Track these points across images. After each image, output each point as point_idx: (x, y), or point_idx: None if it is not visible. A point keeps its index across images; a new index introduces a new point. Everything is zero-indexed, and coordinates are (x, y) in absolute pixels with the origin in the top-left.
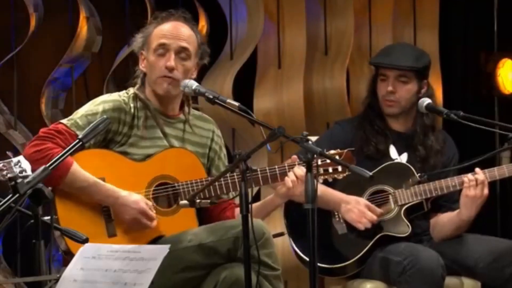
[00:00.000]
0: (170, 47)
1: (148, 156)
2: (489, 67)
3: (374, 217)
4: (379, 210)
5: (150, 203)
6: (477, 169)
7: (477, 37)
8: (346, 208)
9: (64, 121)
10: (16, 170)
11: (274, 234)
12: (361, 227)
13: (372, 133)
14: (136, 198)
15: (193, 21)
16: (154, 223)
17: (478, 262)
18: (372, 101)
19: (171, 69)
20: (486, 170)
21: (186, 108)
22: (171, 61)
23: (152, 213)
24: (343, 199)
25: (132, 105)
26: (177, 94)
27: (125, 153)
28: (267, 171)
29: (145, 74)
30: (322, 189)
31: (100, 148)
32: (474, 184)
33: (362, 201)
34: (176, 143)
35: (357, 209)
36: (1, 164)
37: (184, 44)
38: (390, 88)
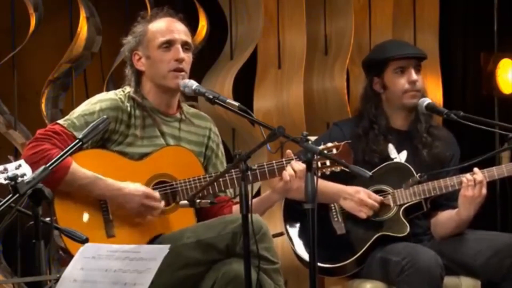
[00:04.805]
0: (175, 41)
1: (146, 155)
2: (489, 67)
3: (376, 204)
4: (379, 198)
5: (149, 188)
6: (476, 169)
7: (477, 37)
8: (345, 198)
9: (61, 121)
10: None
11: (274, 234)
12: (363, 215)
13: (371, 134)
14: (135, 185)
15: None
16: (162, 204)
17: (477, 257)
18: (373, 100)
19: (181, 61)
20: (485, 170)
21: (182, 107)
22: (181, 53)
23: (156, 193)
24: (341, 190)
25: (128, 103)
26: None
27: (123, 153)
28: (265, 166)
29: (140, 73)
30: (320, 183)
31: (97, 148)
32: (473, 184)
33: (362, 189)
34: (172, 141)
35: (357, 198)
36: (2, 168)
37: (186, 38)
38: (415, 77)
